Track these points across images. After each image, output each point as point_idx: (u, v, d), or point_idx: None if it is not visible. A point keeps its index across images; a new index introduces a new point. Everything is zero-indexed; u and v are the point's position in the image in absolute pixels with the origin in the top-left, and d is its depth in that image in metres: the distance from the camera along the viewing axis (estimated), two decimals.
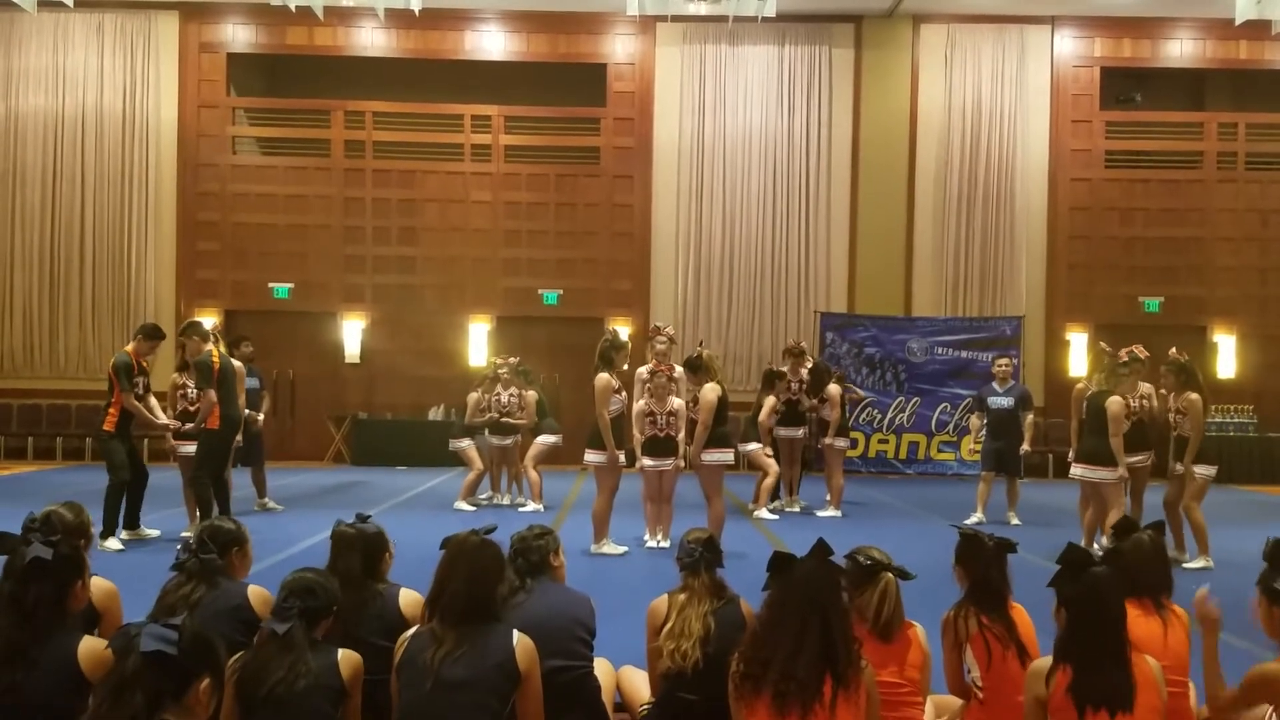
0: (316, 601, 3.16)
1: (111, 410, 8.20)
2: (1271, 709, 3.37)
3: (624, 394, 8.19)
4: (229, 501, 8.54)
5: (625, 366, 8.31)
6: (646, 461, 8.23)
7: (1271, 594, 3.17)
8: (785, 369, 10.94)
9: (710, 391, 7.97)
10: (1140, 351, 8.41)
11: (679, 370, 8.46)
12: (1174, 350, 8.21)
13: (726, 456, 8.08)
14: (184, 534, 8.57)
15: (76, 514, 3.83)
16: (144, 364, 8.43)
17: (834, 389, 10.71)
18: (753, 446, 10.52)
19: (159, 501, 9.26)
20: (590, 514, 8.20)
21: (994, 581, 3.68)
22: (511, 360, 11.19)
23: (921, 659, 3.60)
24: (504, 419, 10.79)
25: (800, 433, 11.05)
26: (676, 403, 8.21)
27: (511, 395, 10.84)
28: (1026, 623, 3.66)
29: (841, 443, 10.81)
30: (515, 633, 3.28)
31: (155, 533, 8.59)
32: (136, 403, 8.20)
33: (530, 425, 10.84)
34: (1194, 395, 7.86)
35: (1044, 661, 3.16)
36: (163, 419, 8.63)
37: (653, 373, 8.26)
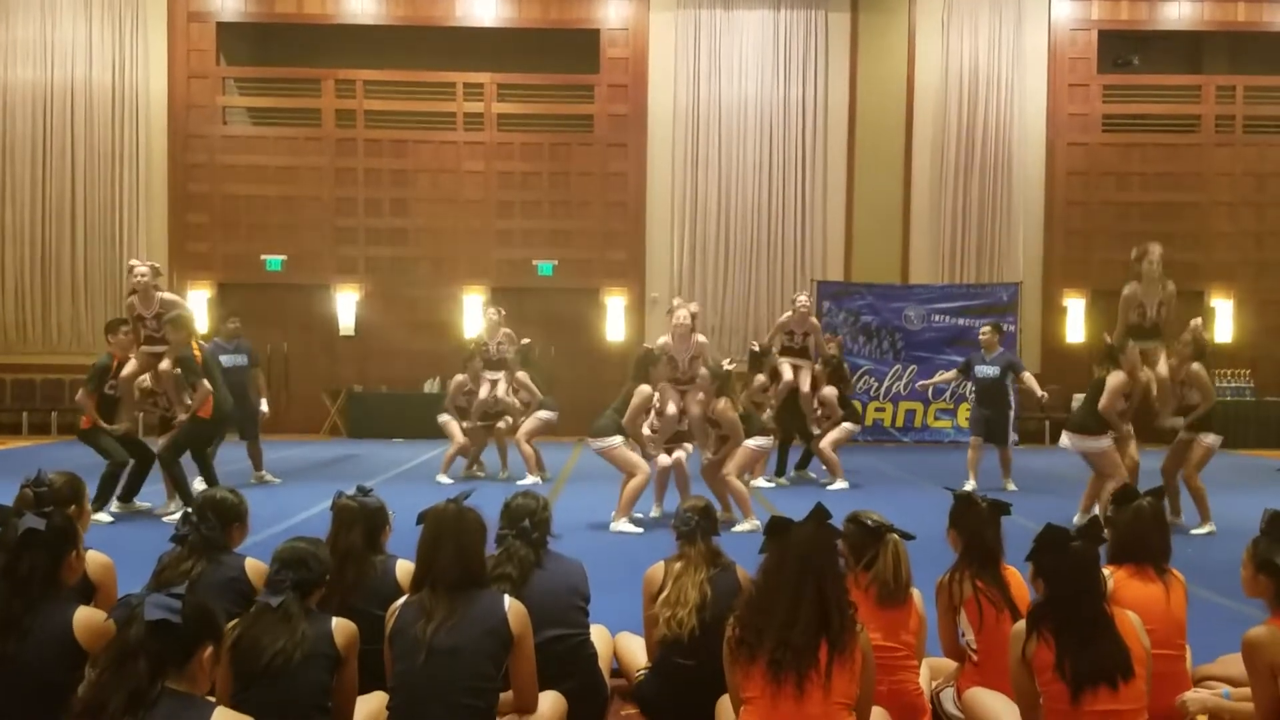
0: (309, 573, 3.15)
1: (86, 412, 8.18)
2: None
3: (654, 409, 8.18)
4: (214, 477, 8.52)
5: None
6: (659, 454, 8.23)
7: (1260, 561, 3.20)
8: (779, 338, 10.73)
9: (729, 408, 7.92)
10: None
11: (701, 339, 8.36)
12: (1198, 321, 8.23)
13: (765, 441, 8.16)
14: (160, 509, 8.40)
15: (71, 483, 3.81)
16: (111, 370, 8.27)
17: (829, 392, 10.46)
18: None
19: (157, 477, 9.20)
20: (582, 482, 8.18)
21: (988, 544, 3.69)
22: (501, 338, 10.91)
23: (918, 623, 3.61)
24: (494, 409, 10.63)
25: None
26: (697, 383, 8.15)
27: (503, 393, 10.60)
28: (1020, 585, 3.67)
29: (845, 428, 10.56)
30: (506, 597, 3.29)
31: (146, 505, 8.57)
32: (87, 401, 8.08)
33: (534, 402, 10.61)
34: (1196, 365, 7.89)
35: (1024, 625, 3.17)
36: (110, 426, 8.21)
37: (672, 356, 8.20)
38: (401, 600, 3.27)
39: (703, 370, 8.06)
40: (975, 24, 16.32)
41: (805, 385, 10.48)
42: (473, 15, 16.36)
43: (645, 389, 7.84)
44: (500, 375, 10.76)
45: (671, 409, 8.10)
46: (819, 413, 10.58)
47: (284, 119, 16.60)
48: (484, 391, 10.55)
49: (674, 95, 16.26)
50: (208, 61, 16.31)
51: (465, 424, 10.67)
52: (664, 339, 8.41)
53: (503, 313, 11.20)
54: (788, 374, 10.52)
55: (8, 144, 16.09)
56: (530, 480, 10.29)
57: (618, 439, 7.93)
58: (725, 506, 8.09)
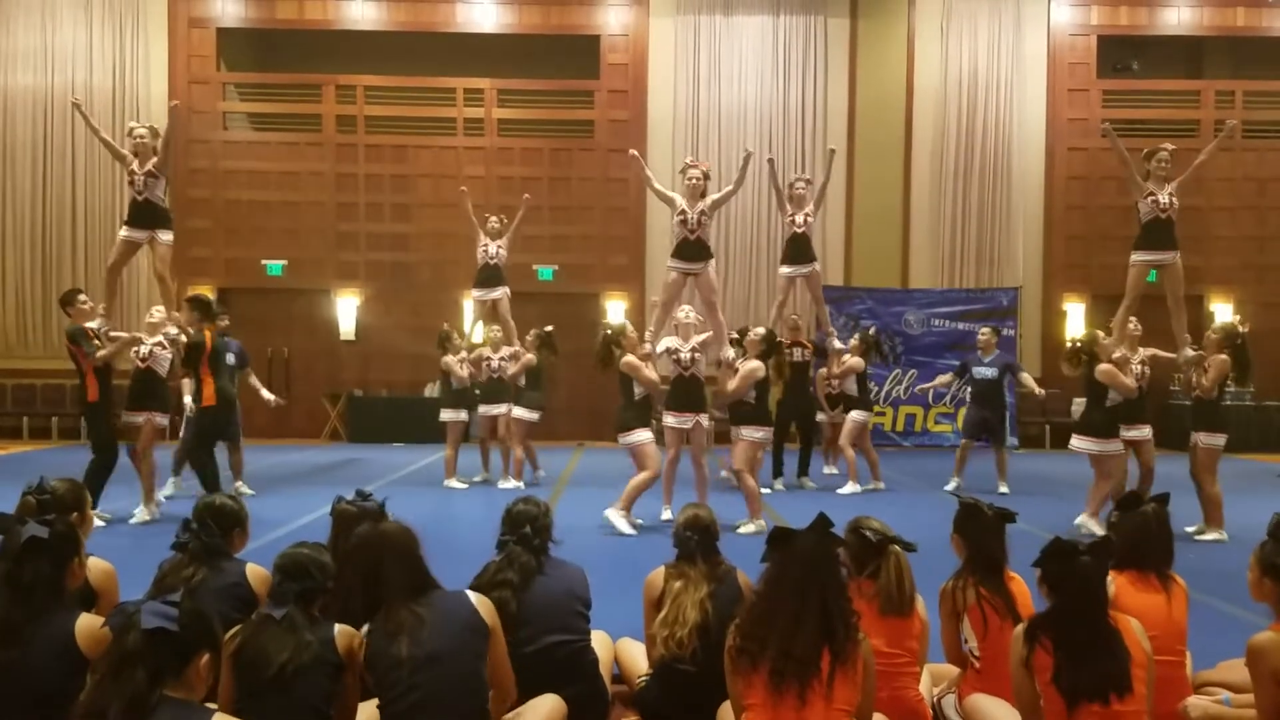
0: (312, 582, 3.13)
1: (89, 381, 8.11)
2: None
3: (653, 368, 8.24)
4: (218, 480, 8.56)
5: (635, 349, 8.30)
6: (670, 419, 8.13)
7: (1266, 565, 3.20)
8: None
9: (759, 367, 8.05)
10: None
11: (714, 197, 8.64)
12: (1238, 319, 8.35)
13: (764, 434, 8.17)
14: (137, 514, 8.28)
15: (73, 489, 3.81)
16: (89, 330, 8.36)
17: (855, 361, 10.50)
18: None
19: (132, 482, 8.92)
20: (582, 487, 8.18)
21: (993, 552, 3.67)
22: (503, 243, 11.32)
23: (920, 629, 3.60)
24: (495, 375, 10.62)
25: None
26: (700, 338, 8.25)
27: (503, 359, 10.66)
28: (1024, 593, 3.66)
29: (855, 419, 10.57)
30: (468, 591, 3.28)
31: (104, 519, 8.15)
32: (104, 352, 8.10)
33: (518, 372, 10.52)
34: (1224, 356, 7.96)
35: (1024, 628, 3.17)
36: (111, 344, 8.29)
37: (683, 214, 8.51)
38: (365, 628, 3.18)
39: (758, 330, 8.46)
40: (974, 29, 16.34)
41: (816, 291, 10.32)
42: (473, 21, 16.39)
43: (629, 357, 7.98)
44: (499, 292, 10.90)
45: (670, 345, 8.21)
46: (835, 382, 10.60)
47: (285, 124, 16.61)
48: (495, 361, 10.63)
49: (674, 101, 16.28)
50: (208, 67, 16.32)
51: (458, 416, 10.60)
52: (675, 194, 8.72)
53: (505, 220, 11.43)
54: (782, 287, 10.29)
55: (8, 148, 16.11)
56: (512, 484, 10.24)
57: (636, 434, 7.95)
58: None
